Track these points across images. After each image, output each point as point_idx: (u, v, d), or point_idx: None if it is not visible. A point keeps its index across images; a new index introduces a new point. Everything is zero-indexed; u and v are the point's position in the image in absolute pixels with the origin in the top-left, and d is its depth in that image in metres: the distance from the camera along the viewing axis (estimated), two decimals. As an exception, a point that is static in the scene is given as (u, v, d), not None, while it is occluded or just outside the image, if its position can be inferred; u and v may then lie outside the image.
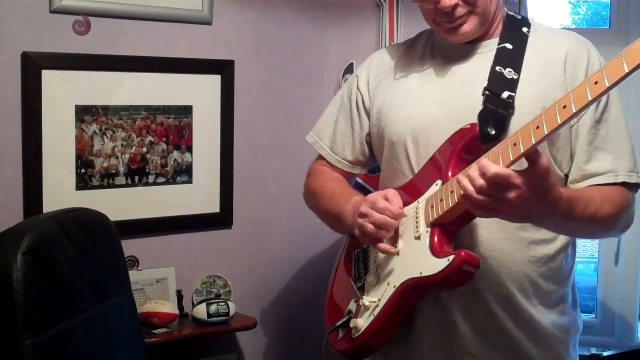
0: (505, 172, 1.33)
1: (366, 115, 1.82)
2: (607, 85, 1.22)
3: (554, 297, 1.67)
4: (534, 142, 1.30)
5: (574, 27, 3.48)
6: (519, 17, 1.73)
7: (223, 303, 2.71)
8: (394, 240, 1.61)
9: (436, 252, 1.49)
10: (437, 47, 1.75)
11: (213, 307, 2.68)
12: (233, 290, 2.90)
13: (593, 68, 1.61)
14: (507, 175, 1.32)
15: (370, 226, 1.58)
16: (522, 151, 1.32)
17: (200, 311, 2.68)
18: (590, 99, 1.24)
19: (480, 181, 1.34)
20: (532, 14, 2.80)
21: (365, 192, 1.82)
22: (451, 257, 1.44)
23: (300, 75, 3.08)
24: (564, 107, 1.27)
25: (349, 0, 3.13)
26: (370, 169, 1.95)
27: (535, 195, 1.35)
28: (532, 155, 1.33)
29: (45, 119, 2.47)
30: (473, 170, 1.37)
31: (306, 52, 3.09)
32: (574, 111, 1.26)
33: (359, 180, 2.61)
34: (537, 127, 1.30)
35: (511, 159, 1.34)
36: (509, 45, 1.65)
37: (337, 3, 3.13)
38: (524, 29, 1.68)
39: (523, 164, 1.35)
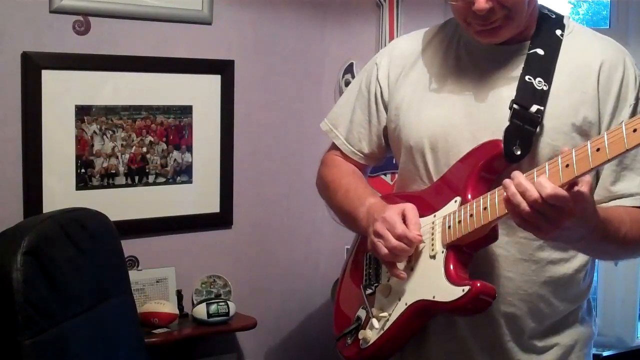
0: (563, 193, 1.25)
1: (384, 109, 1.70)
2: None
3: (570, 313, 1.61)
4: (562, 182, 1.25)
5: (574, 27, 3.48)
6: (553, 15, 1.59)
7: (223, 303, 2.71)
8: (408, 258, 1.54)
9: (451, 278, 1.43)
10: (464, 44, 1.62)
11: (213, 307, 2.68)
12: (233, 290, 2.90)
13: (628, 82, 1.52)
14: (564, 197, 1.25)
15: (384, 250, 1.49)
16: (576, 174, 1.25)
17: (200, 311, 2.68)
18: (626, 148, 1.18)
19: (535, 195, 1.26)
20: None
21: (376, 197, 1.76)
22: (466, 288, 1.39)
23: (300, 75, 3.08)
24: (598, 149, 1.22)
25: (349, 0, 3.13)
26: (371, 169, 1.92)
27: (582, 218, 1.30)
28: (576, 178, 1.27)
29: (45, 119, 2.47)
30: (525, 180, 1.29)
31: (306, 52, 3.09)
32: (608, 158, 1.20)
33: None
34: (567, 166, 1.26)
35: (561, 182, 1.27)
36: (540, 51, 1.53)
37: (337, 3, 3.13)
38: (558, 32, 1.55)
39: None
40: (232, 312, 2.71)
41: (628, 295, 3.13)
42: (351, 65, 3.08)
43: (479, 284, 1.38)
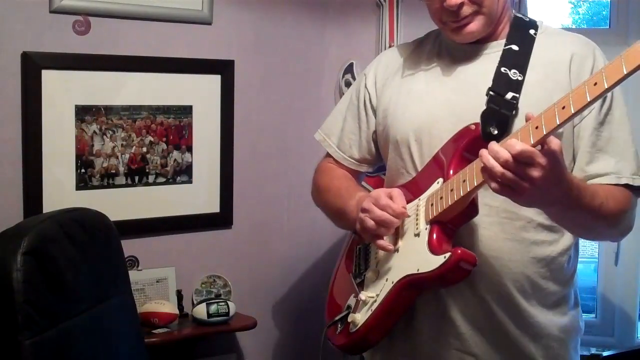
0: (531, 149, 1.33)
1: (373, 113, 1.83)
2: (606, 86, 1.24)
3: (555, 298, 1.67)
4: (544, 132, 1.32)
5: (574, 27, 3.48)
6: (527, 19, 1.73)
7: (223, 303, 2.71)
8: (394, 238, 1.62)
9: (434, 249, 1.50)
10: (445, 47, 1.75)
11: (213, 307, 2.68)
12: (233, 290, 2.90)
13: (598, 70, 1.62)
14: (532, 152, 1.32)
15: (370, 222, 1.59)
16: (545, 132, 1.32)
17: (200, 311, 2.68)
18: (588, 100, 1.26)
19: (506, 155, 1.33)
20: (533, 14, 2.80)
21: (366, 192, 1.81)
22: (447, 255, 1.46)
23: (300, 75, 3.08)
24: (563, 107, 1.29)
25: (349, 0, 3.13)
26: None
27: (554, 176, 1.36)
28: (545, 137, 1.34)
29: (45, 119, 2.47)
30: (497, 145, 1.36)
31: (306, 52, 3.09)
32: (572, 112, 1.28)
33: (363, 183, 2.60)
34: (537, 127, 1.33)
35: (532, 142, 1.34)
36: (515, 47, 1.65)
37: (337, 3, 3.13)
38: (531, 31, 1.69)
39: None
40: (232, 312, 2.71)
41: (628, 295, 3.13)
42: (351, 65, 3.08)
43: (459, 251, 1.46)
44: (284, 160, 3.06)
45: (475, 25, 1.63)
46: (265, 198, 3.03)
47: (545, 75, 1.62)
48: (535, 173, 1.34)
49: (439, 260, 1.47)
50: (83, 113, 2.56)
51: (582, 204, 1.47)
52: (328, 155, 1.93)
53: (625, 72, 1.21)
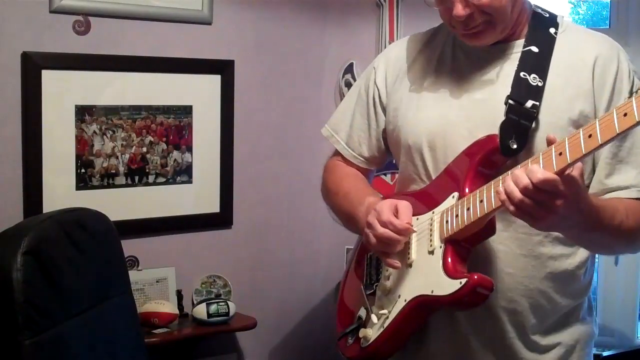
0: (554, 177, 1.26)
1: (383, 111, 1.73)
2: (637, 119, 1.17)
3: (571, 310, 1.62)
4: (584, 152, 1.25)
5: (574, 27, 3.48)
6: (547, 14, 1.61)
7: (223, 303, 2.71)
8: (405, 251, 1.55)
9: (449, 272, 1.44)
10: (459, 45, 1.63)
11: (213, 307, 2.68)
12: (233, 290, 2.90)
13: (622, 76, 1.53)
14: (555, 181, 1.27)
15: (373, 239, 1.51)
16: (569, 161, 1.26)
17: (200, 311, 2.68)
18: (617, 132, 1.19)
19: (526, 181, 1.27)
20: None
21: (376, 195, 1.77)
22: (464, 281, 1.39)
23: (300, 75, 3.08)
24: (590, 136, 1.22)
25: (349, 0, 3.13)
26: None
27: (575, 203, 1.30)
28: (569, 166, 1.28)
29: (45, 119, 2.47)
30: (519, 170, 1.30)
31: (306, 52, 3.09)
32: (600, 143, 1.21)
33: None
34: (560, 154, 1.27)
35: (555, 170, 1.28)
36: (534, 49, 1.55)
37: (337, 3, 3.13)
38: (552, 30, 1.57)
39: None
40: (232, 312, 2.71)
41: (628, 295, 3.12)
42: (351, 65, 3.08)
43: (476, 277, 1.39)
44: (284, 160, 3.05)
45: (486, 35, 1.52)
46: (265, 198, 3.02)
47: (566, 80, 1.52)
48: (557, 202, 1.28)
49: (454, 285, 1.41)
50: (83, 113, 2.56)
51: (602, 225, 1.41)
52: (336, 152, 1.82)
53: None
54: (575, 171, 1.28)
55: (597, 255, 1.70)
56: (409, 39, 1.76)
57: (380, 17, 3.06)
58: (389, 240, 1.49)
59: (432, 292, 1.46)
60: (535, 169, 1.27)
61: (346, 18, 3.13)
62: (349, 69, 3.09)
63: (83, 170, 2.58)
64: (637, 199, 1.51)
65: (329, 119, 1.84)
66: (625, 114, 1.18)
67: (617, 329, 3.14)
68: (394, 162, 1.79)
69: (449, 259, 1.45)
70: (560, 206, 1.28)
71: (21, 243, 1.70)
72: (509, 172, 1.33)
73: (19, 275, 1.66)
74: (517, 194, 1.29)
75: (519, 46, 1.56)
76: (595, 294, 3.19)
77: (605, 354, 2.92)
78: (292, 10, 3.03)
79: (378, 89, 1.73)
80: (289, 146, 3.05)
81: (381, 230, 1.49)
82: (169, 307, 2.63)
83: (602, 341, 3.08)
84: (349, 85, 3.03)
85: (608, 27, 3.16)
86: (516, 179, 1.29)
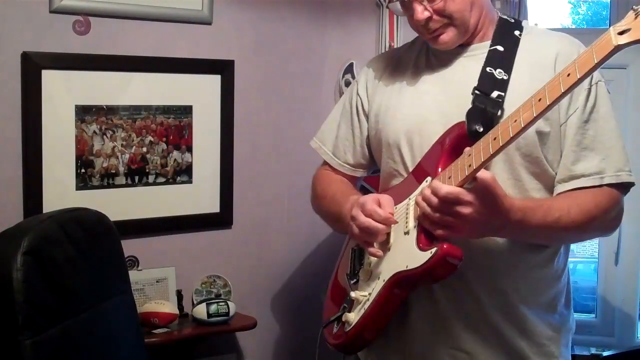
0: (455, 190, 1.43)
1: (365, 119, 1.86)
2: (579, 76, 1.29)
3: (546, 295, 1.70)
4: (511, 135, 1.38)
5: (574, 27, 3.48)
6: (512, 20, 1.76)
7: (223, 303, 2.71)
8: (387, 240, 1.64)
9: (422, 245, 1.53)
10: (432, 51, 1.78)
11: (213, 307, 2.68)
12: (233, 290, 2.90)
13: None
14: (457, 193, 1.43)
15: (356, 229, 1.62)
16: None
17: (200, 311, 2.68)
18: (562, 90, 1.31)
19: (434, 200, 1.44)
20: (533, 14, 2.80)
21: (366, 193, 1.82)
22: (434, 250, 1.49)
23: (300, 75, 3.08)
24: (540, 99, 1.33)
25: (349, 0, 3.13)
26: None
27: (487, 208, 1.43)
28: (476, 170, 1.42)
29: (45, 119, 2.47)
30: (427, 190, 1.47)
31: (306, 52, 3.09)
32: (548, 103, 1.32)
33: (363, 183, 2.61)
34: (515, 121, 1.38)
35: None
36: (500, 48, 1.68)
37: (337, 3, 3.13)
38: (516, 32, 1.71)
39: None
40: (232, 312, 2.71)
41: (628, 295, 3.13)
42: (351, 65, 3.08)
43: (445, 245, 1.48)
44: (284, 160, 3.06)
45: (447, 36, 1.67)
46: (265, 198, 3.03)
47: (530, 74, 1.64)
48: (465, 210, 1.43)
49: (425, 255, 1.50)
50: (83, 113, 2.56)
51: (532, 224, 1.52)
52: (325, 162, 1.97)
53: (595, 62, 1.28)
54: (481, 180, 1.42)
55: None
56: (387, 52, 1.96)
57: (380, 17, 3.07)
58: (370, 230, 1.60)
59: (406, 267, 1.54)
60: (437, 185, 1.45)
61: (346, 18, 3.13)
62: (349, 69, 3.09)
63: (83, 170, 2.58)
64: (599, 185, 1.61)
65: (317, 133, 1.99)
66: (568, 74, 1.32)
67: (617, 329, 3.14)
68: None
69: (422, 235, 1.55)
70: (469, 214, 1.43)
71: (21, 243, 1.70)
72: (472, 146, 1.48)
73: (19, 275, 1.66)
74: (429, 212, 1.46)
75: (485, 46, 1.70)
76: (595, 294, 3.20)
77: (605, 354, 2.92)
78: (292, 10, 3.03)
79: (360, 98, 1.87)
80: (289, 146, 3.05)
81: (364, 219, 1.60)
82: (169, 307, 2.63)
83: (602, 341, 3.09)
84: (349, 85, 3.03)
85: (608, 27, 3.15)
86: (427, 199, 1.47)
